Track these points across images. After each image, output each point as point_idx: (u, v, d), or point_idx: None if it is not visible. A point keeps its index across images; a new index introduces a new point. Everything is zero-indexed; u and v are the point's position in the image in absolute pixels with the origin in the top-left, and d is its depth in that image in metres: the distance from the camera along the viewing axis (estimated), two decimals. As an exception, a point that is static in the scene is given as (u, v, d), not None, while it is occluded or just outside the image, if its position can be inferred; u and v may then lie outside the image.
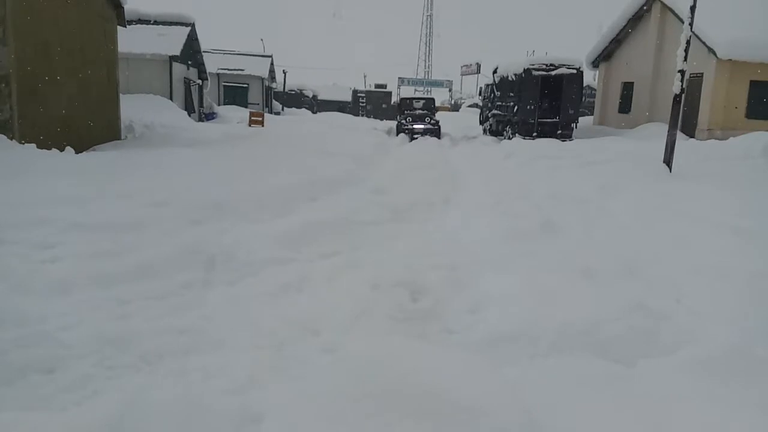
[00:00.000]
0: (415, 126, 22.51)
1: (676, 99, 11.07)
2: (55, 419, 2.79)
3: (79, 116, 11.71)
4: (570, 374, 3.46)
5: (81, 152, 10.63)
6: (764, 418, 3.09)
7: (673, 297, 4.97)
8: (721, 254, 5.94)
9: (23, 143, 9.41)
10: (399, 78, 54.55)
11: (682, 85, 11.00)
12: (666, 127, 11.54)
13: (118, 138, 13.65)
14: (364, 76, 61.25)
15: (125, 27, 14.62)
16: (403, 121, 23.16)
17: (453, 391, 2.93)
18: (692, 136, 17.71)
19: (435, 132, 22.53)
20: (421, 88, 50.69)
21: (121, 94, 14.29)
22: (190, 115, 24.18)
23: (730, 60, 17.41)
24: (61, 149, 10.05)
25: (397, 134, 22.52)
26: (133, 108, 16.30)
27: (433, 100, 26.69)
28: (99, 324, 4.10)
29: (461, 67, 57.64)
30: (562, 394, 3.24)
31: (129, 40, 17.64)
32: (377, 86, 55.36)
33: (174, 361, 3.60)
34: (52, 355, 3.61)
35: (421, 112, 24.12)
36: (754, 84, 17.88)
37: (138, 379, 3.34)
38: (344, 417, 2.77)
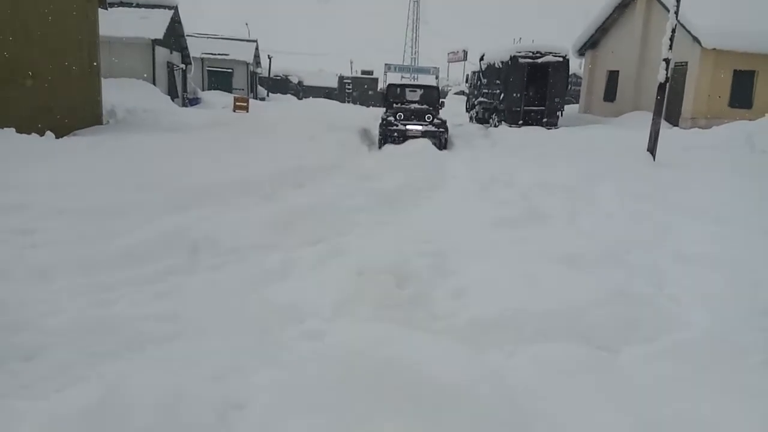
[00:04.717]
0: (409, 127, 14.68)
1: (661, 88, 11.14)
2: (36, 407, 2.76)
3: (59, 100, 11.50)
4: (553, 360, 3.49)
5: (61, 137, 10.44)
6: (742, 404, 3.14)
7: (655, 284, 5.02)
8: (704, 242, 6.01)
9: (2, 128, 9.23)
10: (385, 64, 54.18)
11: (666, 74, 11.06)
12: (650, 115, 11.61)
13: (100, 123, 13.43)
14: (351, 63, 60.87)
15: (106, 9, 14.34)
16: (392, 119, 14.84)
17: (437, 376, 2.94)
18: (676, 125, 17.84)
19: (440, 137, 14.75)
20: (408, 75, 50.33)
21: (102, 78, 14.05)
22: (173, 100, 23.89)
23: (715, 49, 17.52)
24: (41, 134, 9.87)
25: (381, 141, 14.87)
26: (115, 92, 16.06)
27: (436, 89, 17.70)
28: (80, 310, 4.05)
29: (448, 54, 57.39)
30: (546, 380, 3.26)
31: (110, 23, 17.31)
32: (363, 72, 54.98)
33: (156, 348, 3.57)
34: (33, 342, 3.57)
35: (418, 106, 15.74)
36: (737, 73, 18.03)
37: (120, 366, 3.31)
38: (327, 403, 2.76)
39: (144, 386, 2.79)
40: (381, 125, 15.05)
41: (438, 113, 15.79)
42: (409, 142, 14.03)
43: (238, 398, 2.83)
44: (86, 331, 3.76)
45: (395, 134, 14.57)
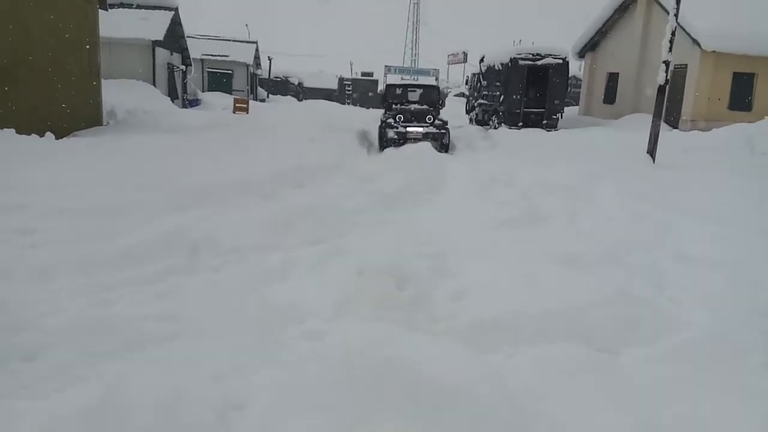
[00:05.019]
0: (409, 129, 14.22)
1: (661, 90, 11.15)
2: (36, 407, 2.76)
3: (59, 101, 11.51)
4: (553, 361, 3.48)
5: (61, 138, 10.46)
6: (742, 405, 3.14)
7: (655, 285, 5.02)
8: (704, 243, 6.01)
9: (2, 128, 9.23)
10: (385, 66, 54.18)
11: (666, 76, 11.08)
12: (650, 117, 11.63)
13: (100, 124, 13.45)
14: (351, 64, 60.87)
15: (107, 10, 14.36)
16: (391, 121, 14.37)
17: (437, 377, 2.94)
18: (676, 127, 17.86)
19: (441, 139, 14.29)
20: (408, 77, 50.24)
21: (102, 79, 14.07)
22: (173, 102, 23.92)
23: (714, 51, 17.55)
24: (41, 134, 9.88)
25: (381, 145, 14.50)
26: (115, 93, 16.07)
27: (436, 88, 16.82)
28: (80, 310, 4.05)
29: (448, 56, 57.43)
30: (546, 381, 3.26)
31: (111, 24, 17.33)
32: (363, 74, 55.07)
33: (156, 348, 3.57)
34: (33, 343, 3.57)
35: (418, 107, 15.16)
36: (737, 76, 18.05)
37: (120, 366, 3.31)
38: (328, 403, 2.76)
39: (144, 386, 2.79)
40: (380, 128, 14.60)
41: (439, 114, 15.24)
42: (409, 144, 13.79)
43: (238, 398, 2.83)
44: (86, 331, 3.75)
45: (395, 137, 14.09)
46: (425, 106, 15.27)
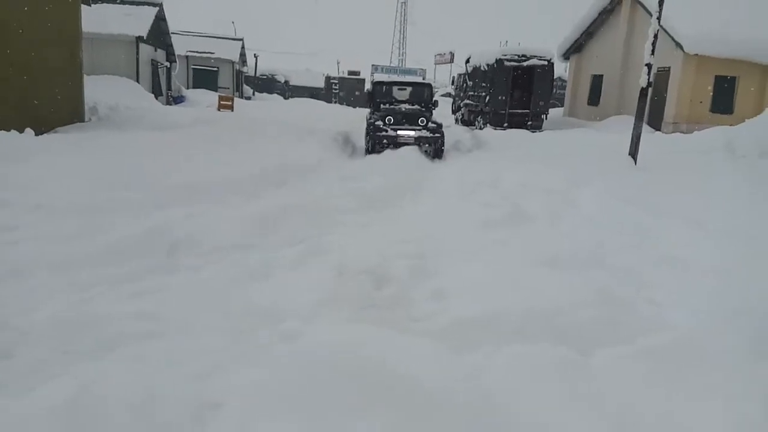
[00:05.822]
0: (400, 132, 12.81)
1: (643, 92, 11.26)
2: (10, 405, 2.72)
3: (40, 97, 11.35)
4: (532, 362, 3.49)
5: (42, 134, 10.33)
6: (717, 405, 3.17)
7: (636, 286, 5.06)
8: (683, 246, 6.07)
9: (-20, 123, 9.11)
10: (372, 65, 54.05)
11: (648, 79, 11.18)
12: (633, 119, 11.74)
13: (82, 120, 13.29)
14: (338, 63, 60.80)
15: (89, 6, 14.21)
16: (380, 123, 12.91)
17: (415, 378, 2.95)
18: (658, 129, 18.06)
19: (435, 143, 12.96)
20: (395, 76, 50.19)
21: (85, 75, 13.90)
22: (157, 98, 23.70)
23: (697, 55, 17.76)
24: (21, 131, 9.75)
25: (367, 149, 13.11)
26: (97, 89, 15.89)
27: (429, 86, 15.14)
28: (57, 309, 4.00)
29: (435, 56, 57.55)
30: (524, 381, 3.27)
31: (94, 20, 17.16)
32: (350, 73, 55.02)
33: (133, 347, 3.53)
34: (8, 341, 3.52)
35: (409, 108, 13.83)
36: (718, 79, 18.29)
37: (96, 365, 3.26)
38: (305, 404, 2.75)
39: (119, 385, 2.76)
40: (368, 130, 13.13)
41: (432, 115, 13.76)
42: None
43: (214, 398, 2.81)
44: (64, 329, 3.71)
45: (384, 141, 12.72)
46: (417, 107, 13.98)
